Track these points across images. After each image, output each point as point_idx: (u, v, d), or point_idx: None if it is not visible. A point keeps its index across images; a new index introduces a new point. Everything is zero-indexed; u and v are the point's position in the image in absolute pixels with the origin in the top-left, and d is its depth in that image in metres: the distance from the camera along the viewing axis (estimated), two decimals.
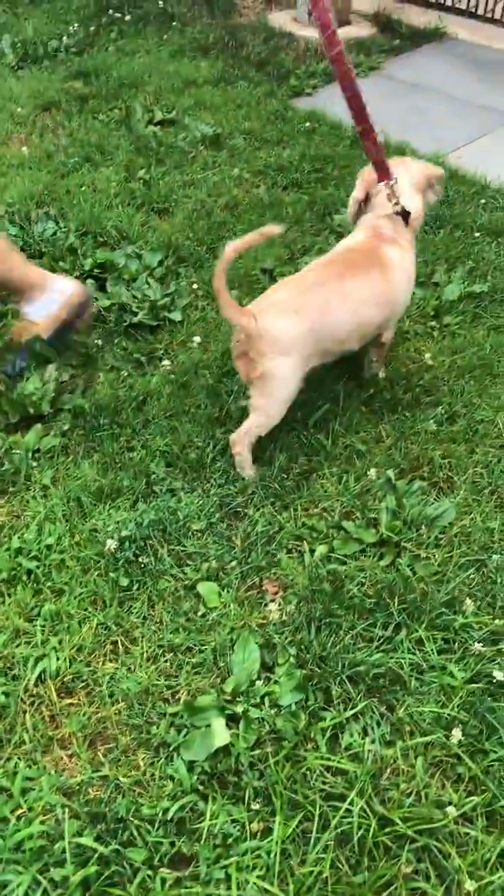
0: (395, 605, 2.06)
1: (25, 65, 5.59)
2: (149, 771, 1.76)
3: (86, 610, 2.08)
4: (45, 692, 1.91)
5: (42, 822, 1.64)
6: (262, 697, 1.88)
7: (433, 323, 3.12)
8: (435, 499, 2.39)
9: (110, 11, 6.40)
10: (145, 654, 1.99)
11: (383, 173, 2.50)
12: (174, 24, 6.30)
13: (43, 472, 2.46)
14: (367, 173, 2.61)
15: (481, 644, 1.97)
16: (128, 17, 6.35)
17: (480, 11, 6.50)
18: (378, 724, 1.84)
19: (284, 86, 5.34)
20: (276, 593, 2.14)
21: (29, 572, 2.15)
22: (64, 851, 1.58)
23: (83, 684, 1.93)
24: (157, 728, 1.83)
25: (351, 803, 1.66)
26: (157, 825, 1.65)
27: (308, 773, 1.74)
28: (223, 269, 2.19)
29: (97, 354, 2.95)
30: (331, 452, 2.54)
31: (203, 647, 2.00)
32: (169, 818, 1.66)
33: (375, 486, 2.41)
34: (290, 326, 2.26)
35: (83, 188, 3.97)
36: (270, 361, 2.26)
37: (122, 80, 5.22)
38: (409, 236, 2.56)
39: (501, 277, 3.34)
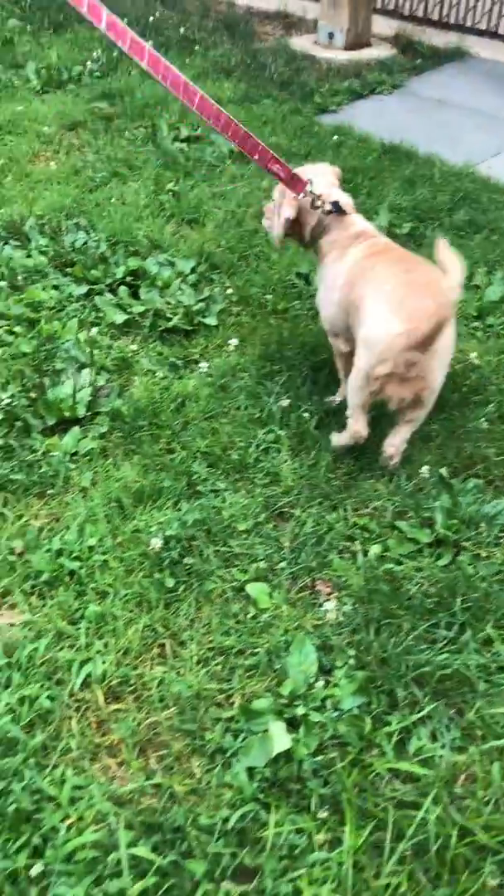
0: (458, 604, 1.94)
1: (50, 89, 5.62)
2: (205, 779, 1.65)
3: (131, 612, 1.98)
4: (92, 697, 1.80)
5: (94, 832, 1.52)
6: (323, 701, 1.76)
7: (476, 324, 3.04)
8: (492, 497, 2.28)
9: None
10: (195, 658, 1.88)
11: (299, 184, 2.48)
12: (196, 48, 6.35)
13: (82, 475, 2.38)
14: (280, 191, 2.58)
15: None
16: (150, 43, 6.39)
17: (502, 31, 6.51)
18: (448, 728, 1.72)
19: (309, 103, 5.34)
20: (329, 594, 2.04)
21: (71, 573, 2.06)
22: (119, 863, 1.47)
23: (131, 689, 1.83)
24: (212, 734, 1.71)
25: (426, 812, 1.54)
26: (216, 836, 1.53)
27: (377, 780, 1.62)
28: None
29: (132, 359, 2.88)
30: (379, 452, 2.44)
31: (256, 650, 1.89)
32: (229, 828, 1.54)
33: (428, 485, 2.30)
34: None
35: (112, 200, 3.94)
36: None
37: (146, 101, 5.23)
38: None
39: None
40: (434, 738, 1.71)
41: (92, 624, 1.94)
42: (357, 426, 2.33)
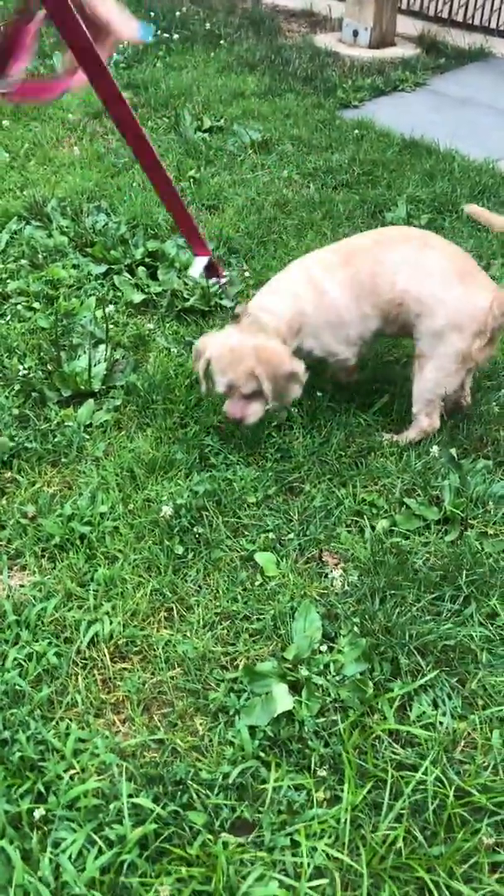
0: (464, 578, 1.96)
1: None
2: (207, 736, 1.67)
3: (140, 576, 2.00)
4: (99, 656, 1.83)
5: (97, 781, 1.54)
6: (326, 666, 1.78)
7: None
8: (501, 477, 2.30)
9: (158, 32, 6.51)
10: (201, 622, 1.90)
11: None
12: (221, 42, 6.39)
13: (95, 445, 2.41)
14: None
15: None
16: (175, 37, 6.45)
17: None
18: (449, 696, 1.74)
19: (332, 98, 5.36)
20: (336, 565, 2.05)
21: (82, 537, 2.08)
22: (120, 812, 1.49)
23: (137, 649, 1.85)
24: (216, 693, 1.73)
25: (425, 772, 1.55)
26: (216, 790, 1.55)
27: (377, 742, 1.64)
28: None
29: (148, 337, 2.91)
30: (390, 432, 2.46)
31: (262, 616, 1.91)
32: (230, 783, 1.56)
33: (437, 465, 2.32)
34: None
35: (133, 185, 3.97)
36: None
37: (170, 92, 5.28)
38: None
39: None
40: (435, 705, 1.73)
41: (101, 586, 1.97)
42: (435, 420, 2.39)
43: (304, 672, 1.75)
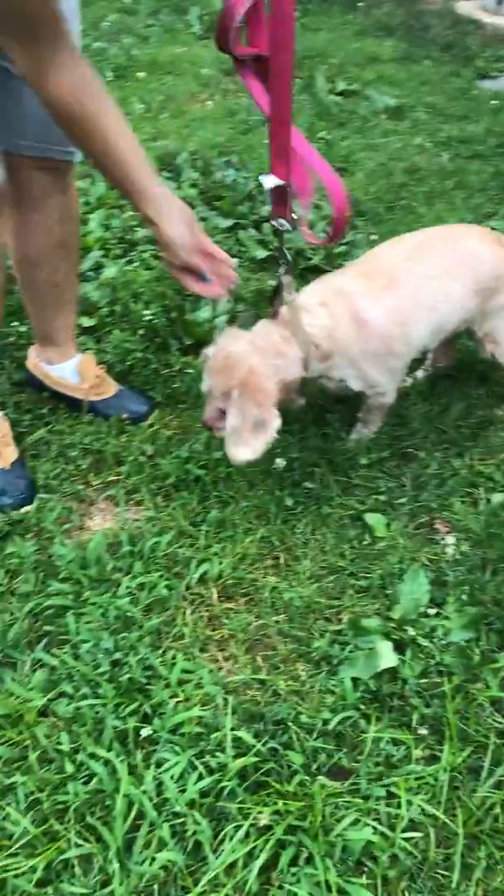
0: None
1: (211, 35, 5.67)
2: (308, 682, 1.69)
3: (250, 522, 2.03)
4: (206, 593, 1.87)
5: (201, 710, 1.59)
6: (431, 630, 1.77)
7: None
8: None
9: None
10: (307, 573, 1.92)
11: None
12: (359, 5, 6.27)
13: None
14: None
15: None
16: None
17: None
18: None
19: (470, 67, 5.21)
20: (448, 532, 2.03)
21: (197, 479, 2.13)
22: (221, 742, 1.53)
23: (244, 591, 1.88)
24: (319, 642, 1.75)
25: None
26: (315, 734, 1.57)
27: (479, 709, 1.63)
28: None
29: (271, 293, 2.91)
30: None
31: (369, 574, 1.91)
32: (329, 729, 1.58)
33: None
34: None
35: (264, 143, 3.96)
36: None
37: (305, 53, 5.22)
38: None
39: None
40: None
41: (212, 528, 2.01)
42: None
43: (409, 632, 1.74)
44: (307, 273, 3.01)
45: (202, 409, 2.33)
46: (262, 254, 3.10)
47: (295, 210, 1.89)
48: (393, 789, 1.48)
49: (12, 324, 2.63)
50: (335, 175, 1.82)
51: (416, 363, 2.36)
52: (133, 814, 1.42)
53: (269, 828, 1.40)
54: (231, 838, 1.39)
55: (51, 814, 1.42)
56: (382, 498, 2.11)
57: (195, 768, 1.49)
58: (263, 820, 1.39)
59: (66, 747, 1.52)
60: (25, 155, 1.91)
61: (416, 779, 1.50)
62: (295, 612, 1.82)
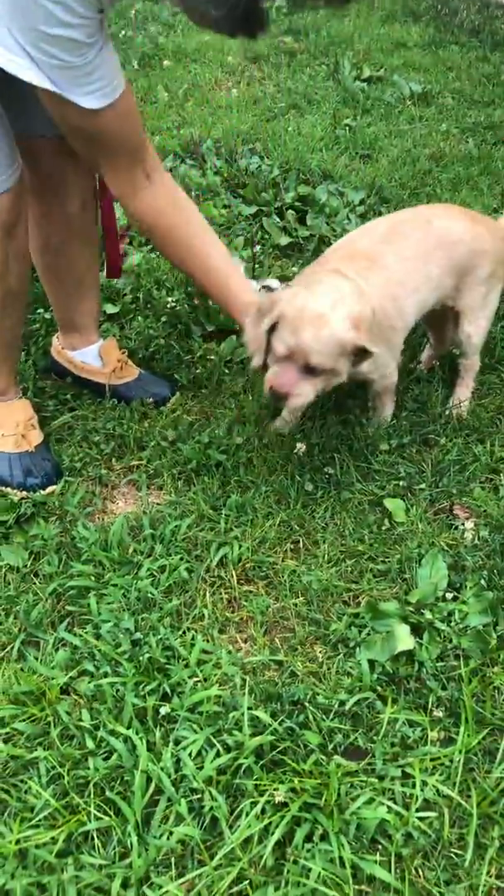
0: None
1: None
2: (326, 664, 1.71)
3: (270, 507, 2.05)
4: (226, 576, 1.89)
5: (219, 690, 1.61)
6: (449, 614, 1.78)
7: None
8: None
9: None
10: (326, 557, 1.94)
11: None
12: None
13: (234, 380, 2.46)
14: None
15: None
16: None
17: None
18: None
19: (498, 52, 5.15)
20: (467, 518, 2.04)
21: (218, 464, 2.15)
22: (238, 721, 1.55)
23: (263, 574, 1.90)
24: (337, 625, 1.77)
25: None
26: (332, 715, 1.59)
27: (496, 693, 1.63)
28: None
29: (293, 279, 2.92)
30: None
31: (387, 559, 1.92)
32: (346, 710, 1.59)
33: None
34: None
35: (288, 130, 3.96)
36: None
37: (331, 39, 5.21)
38: None
39: None
40: None
41: (233, 512, 2.03)
42: None
43: (427, 616, 1.75)
44: None
45: (225, 395, 2.36)
46: (285, 240, 3.11)
47: None
48: (408, 770, 1.50)
49: (37, 311, 2.66)
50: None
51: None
52: (151, 789, 1.45)
53: (284, 805, 1.42)
54: (247, 814, 1.41)
55: (71, 788, 1.45)
56: (402, 483, 2.12)
57: (213, 746, 1.52)
58: (279, 797, 1.41)
59: (86, 724, 1.55)
60: (43, 136, 1.92)
61: (432, 759, 1.52)
62: (313, 595, 1.84)
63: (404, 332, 2.15)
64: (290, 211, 3.26)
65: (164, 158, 3.65)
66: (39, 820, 1.41)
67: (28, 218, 1.97)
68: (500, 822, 1.42)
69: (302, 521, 2.02)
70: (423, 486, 2.11)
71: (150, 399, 2.35)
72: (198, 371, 2.49)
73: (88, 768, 1.48)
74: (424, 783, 1.47)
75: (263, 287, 2.16)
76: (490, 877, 1.37)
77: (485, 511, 2.05)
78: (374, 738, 1.56)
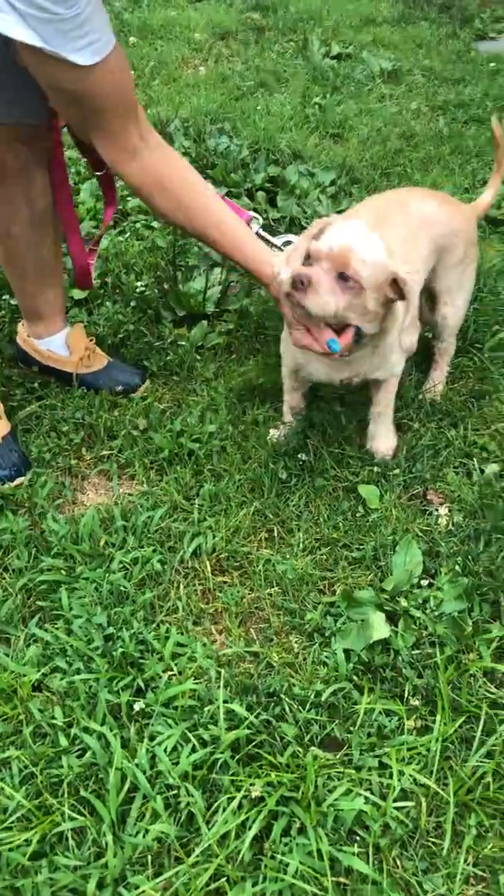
0: None
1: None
2: (301, 654, 1.69)
3: (244, 496, 2.03)
4: (200, 567, 1.87)
5: (194, 684, 1.60)
6: (424, 601, 1.77)
7: None
8: None
9: None
10: (301, 545, 1.92)
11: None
12: None
13: (206, 366, 2.43)
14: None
15: None
16: None
17: None
18: None
19: (468, 29, 5.12)
20: (441, 503, 2.03)
21: (190, 453, 2.12)
22: (214, 715, 1.53)
23: (237, 565, 1.88)
24: (312, 614, 1.75)
25: None
26: (308, 706, 1.58)
27: (472, 680, 1.63)
28: None
29: None
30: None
31: (362, 545, 1.91)
32: (322, 701, 1.58)
33: None
34: None
35: (257, 109, 3.90)
36: None
37: (299, 15, 5.13)
38: None
39: None
40: None
41: (206, 502, 2.00)
42: None
43: (402, 604, 1.74)
44: None
45: (197, 381, 2.33)
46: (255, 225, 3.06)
47: None
48: (385, 760, 1.49)
49: (3, 297, 2.60)
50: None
51: None
52: (126, 787, 1.43)
53: (261, 799, 1.40)
54: (224, 810, 1.40)
55: (45, 787, 1.43)
56: (376, 469, 2.10)
57: (188, 741, 1.50)
58: (256, 791, 1.40)
59: (59, 721, 1.52)
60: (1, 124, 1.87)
61: (409, 749, 1.51)
62: (288, 585, 1.82)
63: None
64: (259, 192, 3.21)
65: None
66: (12, 822, 1.39)
67: None
68: (476, 810, 1.42)
69: (276, 510, 2.00)
70: (396, 471, 2.10)
71: (120, 388, 2.31)
72: (169, 357, 2.45)
73: (62, 767, 1.45)
74: (401, 773, 1.47)
75: (284, 242, 2.14)
76: (468, 865, 1.37)
77: (458, 496, 2.04)
78: (351, 728, 1.55)
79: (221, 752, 1.47)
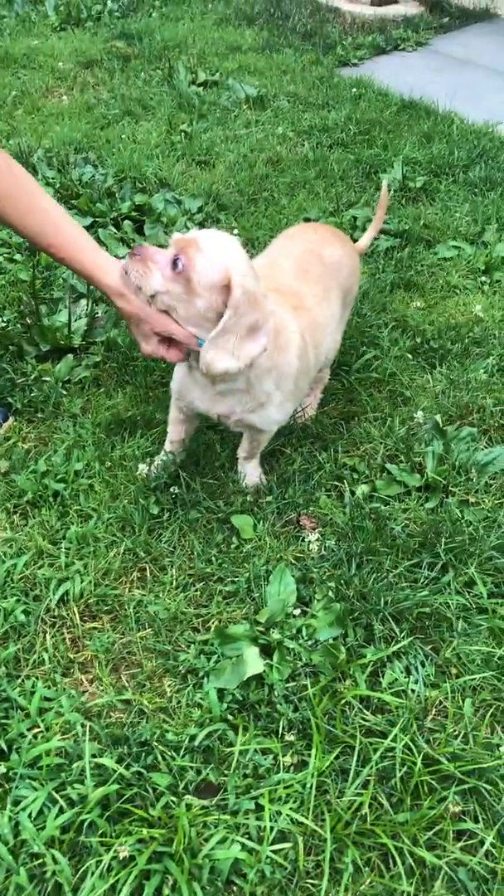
0: (443, 546, 1.92)
1: (68, 26, 5.51)
2: (175, 698, 1.64)
3: (114, 535, 1.96)
4: (68, 614, 1.79)
5: (60, 741, 1.52)
6: (298, 630, 1.75)
7: (483, 278, 2.99)
8: (485, 445, 2.26)
9: None
10: (175, 582, 1.87)
11: None
12: None
13: (73, 402, 2.35)
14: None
15: None
16: None
17: None
18: (422, 664, 1.71)
19: (331, 55, 5.23)
20: (314, 529, 2.02)
21: (55, 494, 2.04)
22: (83, 771, 1.46)
23: (108, 609, 1.81)
24: (186, 655, 1.70)
25: (394, 739, 1.53)
26: (182, 752, 1.53)
27: (347, 708, 1.61)
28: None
29: None
30: (374, 397, 2.41)
31: (236, 578, 1.88)
32: (196, 745, 1.53)
33: (421, 431, 2.28)
34: None
35: (123, 138, 3.87)
36: None
37: (165, 43, 5.13)
38: None
39: None
40: (408, 672, 1.70)
41: (73, 544, 1.93)
42: None
43: (276, 635, 1.72)
44: None
45: (63, 417, 2.25)
46: (122, 251, 3.02)
47: None
48: (261, 801, 1.45)
49: None
50: None
51: None
52: None
53: (132, 858, 1.34)
54: (92, 874, 1.33)
55: None
56: (249, 498, 2.08)
57: (55, 802, 1.42)
58: (124, 852, 1.33)
59: None
60: None
61: (285, 787, 1.48)
62: (161, 626, 1.77)
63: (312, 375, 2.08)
64: (126, 221, 3.16)
65: None
66: None
67: None
68: (352, 847, 1.39)
69: (148, 548, 1.95)
70: (269, 498, 2.08)
71: None
72: (33, 394, 2.36)
73: None
74: (278, 813, 1.43)
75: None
76: None
77: (331, 519, 2.04)
78: (226, 771, 1.50)
79: (89, 812, 1.39)
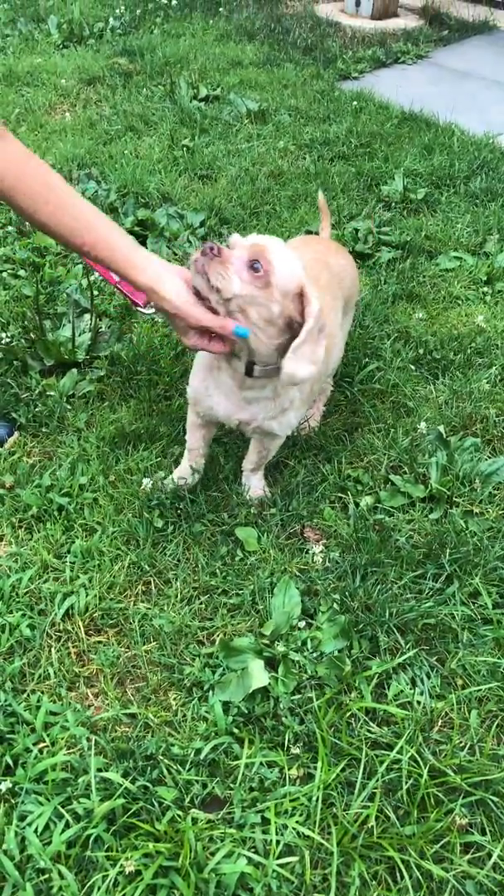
0: (447, 557, 1.92)
1: (71, 44, 5.55)
2: (181, 711, 1.64)
3: (118, 549, 1.97)
4: (73, 628, 1.79)
5: (66, 755, 1.52)
6: (304, 643, 1.75)
7: (485, 289, 3.00)
8: (489, 455, 2.26)
9: None
10: (179, 595, 1.87)
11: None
12: (221, 10, 6.26)
13: (77, 416, 2.36)
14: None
15: None
16: (174, 3, 6.32)
17: None
18: (428, 675, 1.71)
19: (331, 69, 5.26)
20: (318, 540, 2.02)
21: (60, 509, 2.04)
22: (89, 786, 1.46)
23: (113, 622, 1.82)
24: (191, 668, 1.70)
25: (400, 751, 1.52)
26: (188, 766, 1.52)
27: (352, 720, 1.61)
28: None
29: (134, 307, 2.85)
30: (378, 408, 2.42)
31: (241, 591, 1.88)
32: (201, 759, 1.53)
33: (425, 442, 2.28)
34: None
35: (125, 153, 3.89)
36: None
37: (167, 59, 5.17)
38: None
39: None
40: (413, 684, 1.70)
41: (78, 558, 1.93)
42: None
43: (281, 648, 1.72)
44: None
45: (68, 432, 2.26)
46: None
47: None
48: (267, 815, 1.45)
49: None
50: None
51: None
52: None
53: (138, 873, 1.34)
54: (98, 889, 1.32)
55: None
56: (253, 510, 2.08)
57: (61, 817, 1.42)
58: (130, 866, 1.33)
59: None
60: None
61: (291, 800, 1.47)
62: (166, 639, 1.77)
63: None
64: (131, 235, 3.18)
65: None
66: None
67: None
68: (358, 860, 1.39)
69: (152, 561, 1.95)
70: (273, 510, 2.09)
71: None
72: (37, 409, 2.37)
73: None
74: (284, 826, 1.43)
75: None
76: None
77: (335, 531, 2.04)
78: (232, 785, 1.50)
79: (95, 826, 1.39)
